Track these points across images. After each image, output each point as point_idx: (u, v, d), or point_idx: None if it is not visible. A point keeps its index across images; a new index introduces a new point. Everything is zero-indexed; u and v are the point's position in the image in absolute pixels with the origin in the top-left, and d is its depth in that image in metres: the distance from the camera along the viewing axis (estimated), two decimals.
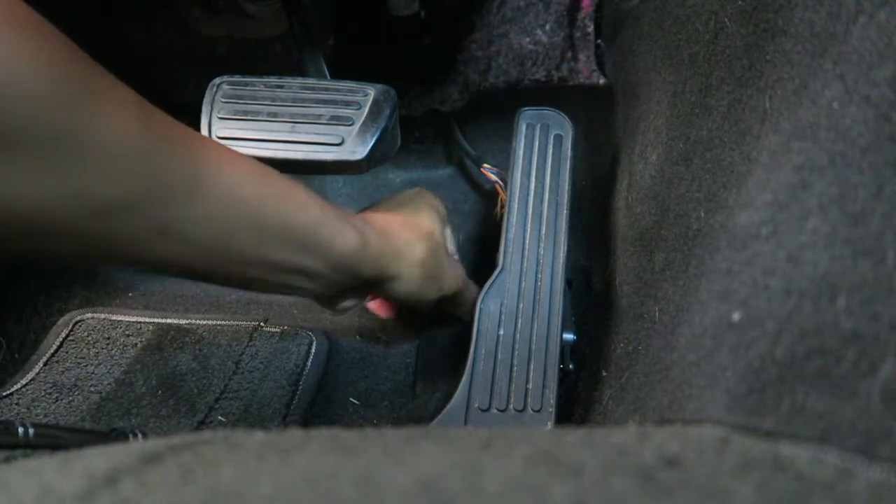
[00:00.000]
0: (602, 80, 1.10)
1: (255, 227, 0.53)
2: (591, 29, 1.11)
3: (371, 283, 0.66)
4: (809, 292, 0.32)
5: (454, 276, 0.71)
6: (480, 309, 0.67)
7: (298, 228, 0.57)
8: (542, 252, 0.69)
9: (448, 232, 0.74)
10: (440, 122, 1.07)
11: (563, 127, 0.77)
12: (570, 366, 0.71)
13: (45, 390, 0.74)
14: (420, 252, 0.66)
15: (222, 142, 0.69)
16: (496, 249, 0.71)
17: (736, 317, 0.36)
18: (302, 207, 0.57)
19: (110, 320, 0.84)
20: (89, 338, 0.81)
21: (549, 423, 0.61)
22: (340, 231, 0.60)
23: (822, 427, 0.28)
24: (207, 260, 0.52)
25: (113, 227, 0.45)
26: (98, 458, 0.29)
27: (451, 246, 0.75)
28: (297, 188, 0.57)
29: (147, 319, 0.84)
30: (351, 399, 0.77)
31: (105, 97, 0.43)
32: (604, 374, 0.64)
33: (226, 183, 0.51)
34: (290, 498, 0.26)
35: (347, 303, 0.68)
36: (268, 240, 0.55)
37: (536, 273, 0.68)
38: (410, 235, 0.66)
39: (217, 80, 0.74)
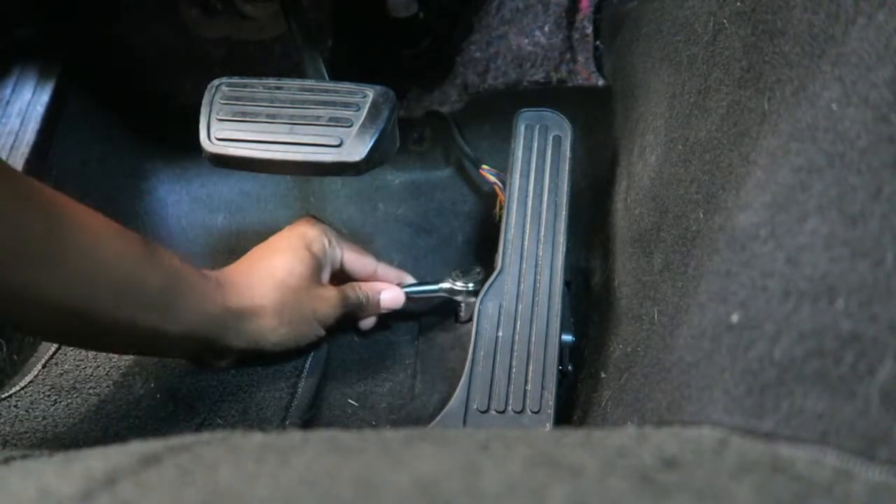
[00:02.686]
0: (601, 82, 1.10)
1: (110, 289, 0.55)
2: (589, 30, 1.11)
3: (237, 347, 0.69)
4: (808, 294, 0.32)
5: (328, 306, 0.74)
6: (479, 310, 0.67)
7: (153, 289, 0.59)
8: (540, 253, 0.69)
9: (327, 250, 0.77)
10: (439, 123, 1.07)
11: (561, 128, 0.77)
12: (569, 367, 0.71)
13: (43, 392, 0.74)
14: (271, 303, 0.69)
15: (221, 143, 0.69)
16: (495, 251, 0.71)
17: (735, 318, 0.36)
18: (157, 269, 0.60)
19: None
20: None
21: (547, 425, 0.61)
22: (192, 292, 0.63)
23: (821, 428, 0.28)
24: (67, 323, 0.55)
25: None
26: (97, 459, 0.29)
27: (332, 264, 0.78)
28: (154, 248, 0.60)
29: None
30: (349, 400, 0.77)
31: None
32: (602, 375, 0.64)
33: (84, 244, 0.53)
34: (289, 499, 0.26)
35: (223, 363, 0.72)
36: (124, 302, 0.57)
37: (535, 274, 0.68)
38: (262, 288, 0.69)
39: (216, 82, 0.74)
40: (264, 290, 0.69)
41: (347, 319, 0.79)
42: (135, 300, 0.58)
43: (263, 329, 0.69)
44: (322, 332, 0.75)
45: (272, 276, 0.70)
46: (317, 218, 0.79)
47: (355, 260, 0.80)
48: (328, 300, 0.74)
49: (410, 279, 0.84)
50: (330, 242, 0.77)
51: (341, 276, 0.80)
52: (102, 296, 0.55)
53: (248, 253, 0.74)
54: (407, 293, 0.82)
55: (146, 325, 0.59)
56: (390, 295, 0.81)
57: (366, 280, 0.81)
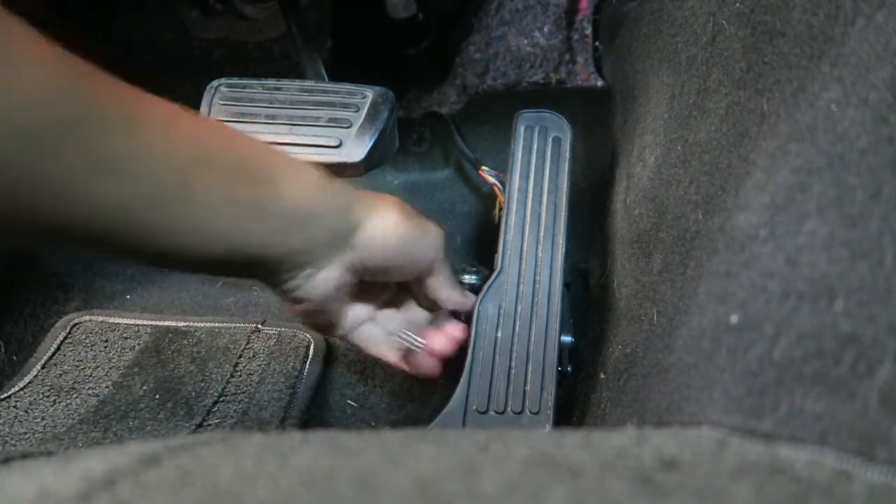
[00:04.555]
0: (600, 83, 1.10)
1: (205, 163, 0.49)
2: (588, 31, 1.11)
3: (333, 243, 0.58)
4: (807, 294, 0.32)
5: (429, 252, 0.64)
6: (479, 311, 0.66)
7: (252, 160, 0.52)
8: (540, 254, 0.69)
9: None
10: (438, 124, 1.07)
11: (561, 129, 0.77)
12: (568, 368, 0.71)
13: (42, 393, 0.74)
14: (390, 217, 0.60)
15: None
16: (494, 251, 0.71)
17: (734, 319, 0.36)
18: (251, 141, 0.54)
19: (108, 323, 0.84)
20: (87, 340, 0.81)
21: (546, 426, 0.61)
22: (299, 165, 0.55)
23: (821, 429, 0.28)
24: (155, 206, 0.47)
25: (45, 157, 0.41)
26: (96, 460, 0.29)
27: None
28: (236, 130, 0.53)
29: (145, 322, 0.84)
30: (349, 401, 0.77)
31: (16, 33, 0.40)
32: (602, 376, 0.64)
33: (163, 117, 0.47)
34: (289, 500, 0.26)
35: (298, 281, 0.58)
36: (220, 177, 0.49)
37: (535, 275, 0.68)
38: (377, 199, 0.61)
39: (215, 83, 0.74)
40: (374, 200, 0.60)
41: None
42: (233, 171, 0.50)
43: (363, 238, 0.59)
44: (415, 267, 0.64)
45: (384, 196, 0.61)
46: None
47: (445, 295, 0.68)
48: (430, 244, 0.64)
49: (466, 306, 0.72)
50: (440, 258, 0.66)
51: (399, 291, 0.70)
52: (198, 170, 0.48)
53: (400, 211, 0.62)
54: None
55: (246, 201, 0.51)
56: (450, 330, 0.68)
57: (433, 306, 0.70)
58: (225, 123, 0.53)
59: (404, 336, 0.66)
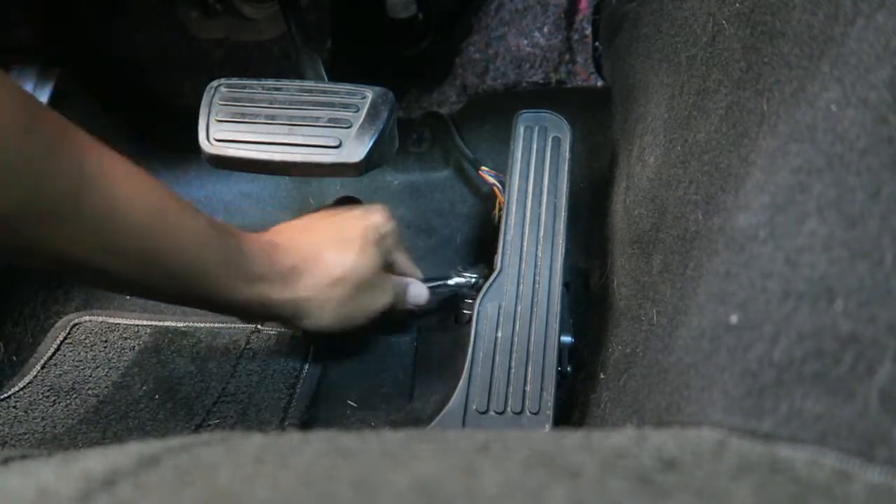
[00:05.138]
0: (600, 83, 1.10)
1: (139, 254, 0.53)
2: (588, 31, 1.11)
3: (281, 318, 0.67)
4: (807, 295, 0.32)
5: (383, 298, 0.73)
6: (478, 311, 0.66)
7: (186, 266, 0.57)
8: (540, 254, 0.69)
9: (391, 249, 0.75)
10: (438, 124, 1.07)
11: (560, 129, 0.77)
12: (568, 368, 0.71)
13: (42, 393, 0.74)
14: (327, 297, 0.67)
15: (220, 144, 0.69)
16: (494, 252, 0.71)
17: (734, 319, 0.36)
18: (193, 243, 0.57)
19: (108, 323, 0.84)
20: (87, 341, 0.81)
21: (546, 426, 0.61)
22: (235, 276, 0.60)
23: (820, 429, 0.28)
24: (95, 280, 0.55)
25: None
26: (95, 460, 0.29)
27: (396, 256, 0.76)
28: (190, 214, 0.57)
29: (144, 322, 0.84)
30: (349, 401, 0.77)
31: None
32: (601, 376, 0.64)
33: (109, 203, 0.50)
34: (288, 500, 0.26)
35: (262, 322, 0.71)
36: (153, 270, 0.54)
37: (534, 275, 0.68)
38: (322, 279, 0.66)
39: (215, 83, 0.74)
40: (319, 282, 0.66)
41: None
42: (162, 271, 0.55)
43: (310, 315, 0.67)
44: (370, 319, 0.73)
45: (330, 274, 0.67)
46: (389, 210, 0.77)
47: (405, 264, 0.78)
48: (385, 289, 0.73)
49: (420, 275, 0.83)
50: (395, 243, 0.75)
51: None
52: (129, 261, 0.52)
53: (312, 225, 0.71)
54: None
55: (190, 290, 0.57)
56: (416, 290, 0.79)
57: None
58: (174, 200, 0.57)
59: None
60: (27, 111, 0.44)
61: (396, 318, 0.81)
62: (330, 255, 0.67)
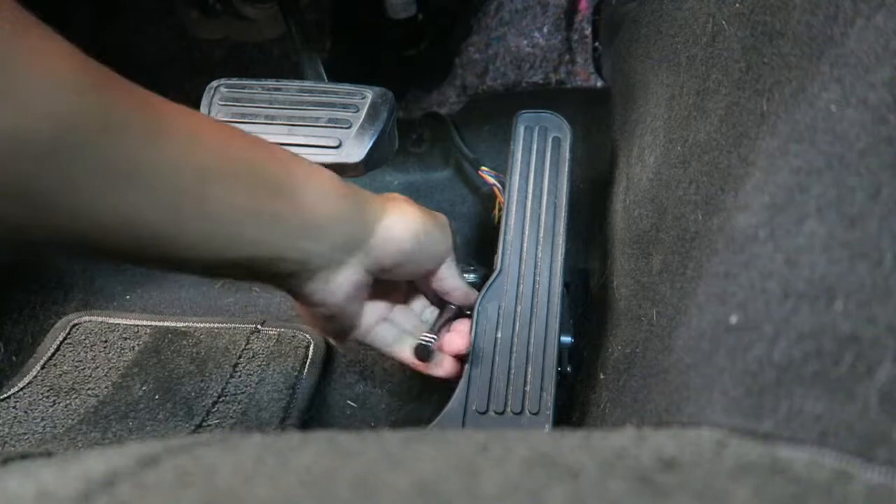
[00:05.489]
0: (599, 83, 1.10)
1: (222, 173, 0.49)
2: (588, 32, 1.11)
3: (350, 246, 0.58)
4: (807, 295, 0.32)
5: (446, 244, 0.65)
6: (478, 311, 0.66)
7: (268, 168, 0.52)
8: (539, 255, 0.69)
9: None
10: (438, 124, 1.07)
11: (560, 129, 0.77)
12: (568, 368, 0.71)
13: (42, 393, 0.74)
14: (407, 212, 0.61)
15: None
16: (494, 252, 0.71)
17: (733, 319, 0.36)
18: (270, 149, 0.54)
19: (107, 323, 0.84)
20: (87, 341, 0.81)
21: (546, 426, 0.61)
22: (317, 172, 0.56)
23: (820, 430, 0.28)
24: (174, 217, 0.46)
25: (61, 171, 0.40)
26: (95, 461, 0.29)
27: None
28: (254, 136, 0.53)
29: (144, 322, 0.84)
30: (348, 401, 0.77)
31: (33, 39, 0.40)
32: (601, 376, 0.64)
33: (184, 126, 0.47)
34: (288, 500, 0.26)
35: (316, 285, 0.58)
36: (238, 186, 0.49)
37: (534, 276, 0.68)
38: (407, 205, 0.61)
39: (215, 83, 0.74)
40: (407, 209, 0.61)
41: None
42: (251, 183, 0.50)
43: (391, 236, 0.59)
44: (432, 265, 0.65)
45: (418, 208, 0.62)
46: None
47: (454, 284, 0.68)
48: (445, 238, 0.65)
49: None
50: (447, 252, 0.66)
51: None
52: (213, 180, 0.48)
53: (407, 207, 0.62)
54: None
55: (261, 211, 0.51)
56: (453, 341, 0.67)
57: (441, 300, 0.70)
58: (245, 131, 0.53)
59: (425, 339, 0.65)
60: (79, 56, 0.43)
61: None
62: (408, 205, 0.62)
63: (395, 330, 0.68)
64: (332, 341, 0.70)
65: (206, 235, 0.49)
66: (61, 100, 0.40)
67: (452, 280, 0.67)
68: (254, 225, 0.51)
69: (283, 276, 0.57)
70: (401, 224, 0.60)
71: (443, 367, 0.67)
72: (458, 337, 0.66)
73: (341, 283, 0.59)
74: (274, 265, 0.55)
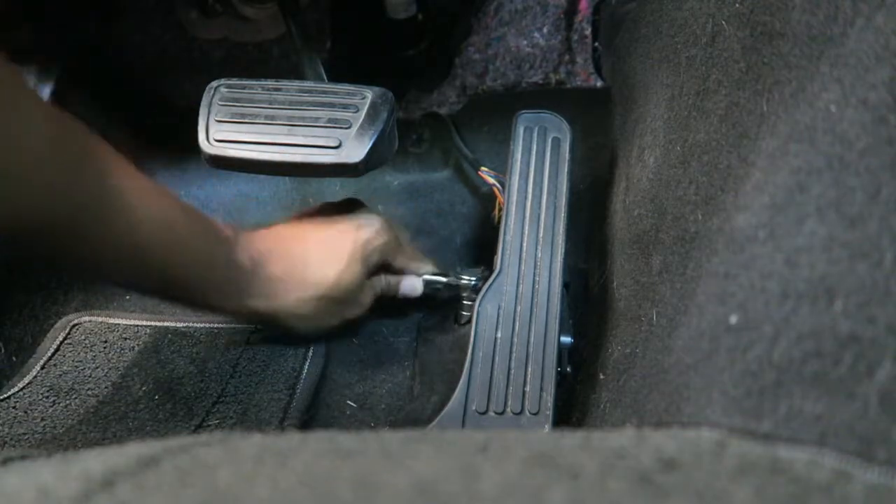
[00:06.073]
0: (599, 83, 1.10)
1: (151, 265, 0.57)
2: (588, 32, 1.11)
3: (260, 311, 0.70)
4: (807, 295, 0.32)
5: (361, 306, 0.76)
6: (478, 312, 0.66)
7: (189, 279, 0.61)
8: (539, 255, 0.69)
9: (381, 259, 0.77)
10: (438, 124, 1.07)
11: (560, 130, 0.77)
12: (568, 369, 0.71)
13: (42, 394, 0.74)
14: (307, 310, 0.70)
15: (220, 144, 0.69)
16: (494, 252, 0.71)
17: (733, 319, 0.36)
18: (198, 260, 0.62)
19: (107, 323, 0.84)
20: (86, 341, 0.81)
21: (546, 426, 0.61)
22: (227, 289, 0.65)
23: (820, 430, 0.28)
24: (122, 275, 0.57)
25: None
26: (95, 461, 0.29)
27: (396, 260, 0.79)
28: (198, 227, 0.62)
29: (144, 323, 0.84)
30: (348, 402, 0.77)
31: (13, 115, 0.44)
32: (601, 376, 0.64)
33: (130, 216, 0.54)
34: (288, 500, 0.26)
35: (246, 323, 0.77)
36: (161, 279, 0.59)
37: (534, 276, 0.68)
38: (303, 294, 0.70)
39: (214, 83, 0.74)
40: (303, 295, 0.70)
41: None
42: (172, 278, 0.60)
43: (288, 323, 0.72)
44: (343, 324, 0.77)
45: (311, 289, 0.70)
46: (387, 220, 0.79)
47: (404, 263, 0.80)
48: (363, 302, 0.76)
49: (430, 268, 0.84)
50: (389, 255, 0.77)
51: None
52: (141, 270, 0.57)
53: (305, 234, 0.74)
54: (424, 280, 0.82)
55: (185, 294, 0.63)
56: (409, 284, 0.81)
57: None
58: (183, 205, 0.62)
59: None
60: (56, 123, 0.46)
61: (391, 305, 0.83)
62: (315, 271, 0.70)
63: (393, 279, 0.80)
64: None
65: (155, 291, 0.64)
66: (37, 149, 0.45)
67: (409, 267, 0.80)
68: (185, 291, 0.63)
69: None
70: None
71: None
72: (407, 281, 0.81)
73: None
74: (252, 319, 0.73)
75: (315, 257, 0.71)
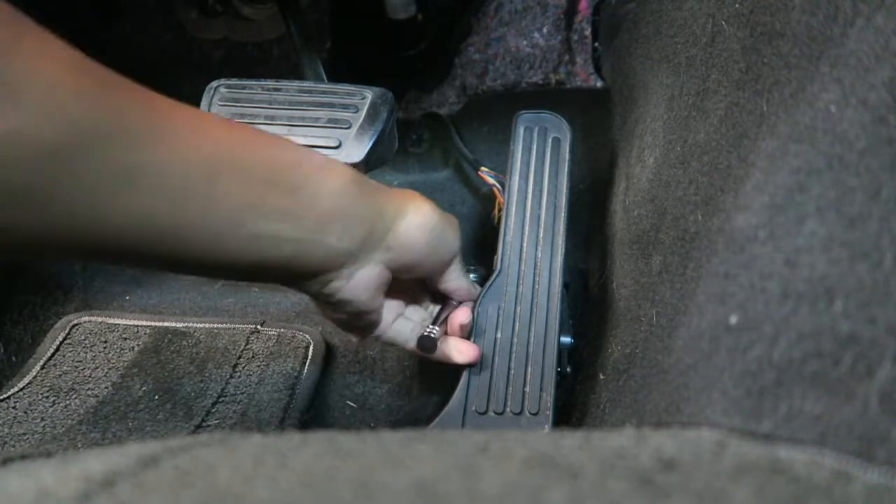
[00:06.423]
0: (599, 84, 1.10)
1: (233, 169, 0.48)
2: (588, 32, 1.11)
3: (369, 243, 0.57)
4: (807, 295, 0.32)
5: (457, 243, 0.64)
6: (478, 312, 0.67)
7: (281, 164, 0.51)
8: (539, 255, 0.69)
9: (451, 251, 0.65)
10: (438, 125, 1.07)
11: (560, 130, 0.77)
12: (568, 369, 0.71)
13: (42, 394, 0.74)
14: (424, 209, 0.60)
15: None
16: (494, 252, 0.71)
17: (733, 320, 0.36)
18: (282, 145, 0.53)
19: (107, 324, 0.84)
20: (86, 341, 0.81)
21: (546, 426, 0.61)
22: (331, 166, 0.54)
23: (820, 430, 0.28)
24: (182, 216, 0.46)
25: (67, 173, 0.40)
26: (95, 461, 0.29)
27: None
28: (265, 132, 0.52)
29: (144, 323, 0.84)
30: (348, 402, 0.77)
31: (33, 42, 0.39)
32: (601, 377, 0.64)
33: (188, 124, 0.46)
34: (288, 500, 0.26)
35: (338, 283, 0.58)
36: (249, 182, 0.48)
37: (534, 276, 0.68)
38: (412, 197, 0.60)
39: (214, 84, 0.74)
40: (412, 197, 0.60)
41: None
42: (262, 180, 0.49)
43: (408, 226, 0.59)
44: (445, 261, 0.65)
45: (425, 214, 0.60)
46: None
47: (455, 284, 0.68)
48: (456, 237, 0.64)
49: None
50: (455, 255, 0.66)
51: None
52: (223, 179, 0.46)
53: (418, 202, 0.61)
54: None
55: (274, 210, 0.50)
56: (465, 313, 0.68)
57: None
58: (252, 126, 0.52)
59: (428, 330, 0.66)
60: (79, 60, 0.43)
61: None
62: (425, 202, 0.61)
63: (411, 324, 0.68)
64: (353, 338, 0.70)
65: (214, 237, 0.48)
66: (62, 104, 0.39)
67: (458, 280, 0.67)
68: (264, 224, 0.50)
69: (305, 277, 0.56)
70: (419, 220, 0.59)
71: (461, 351, 0.66)
72: (461, 311, 0.67)
73: (364, 279, 0.58)
74: (294, 264, 0.54)
75: (436, 229, 0.61)
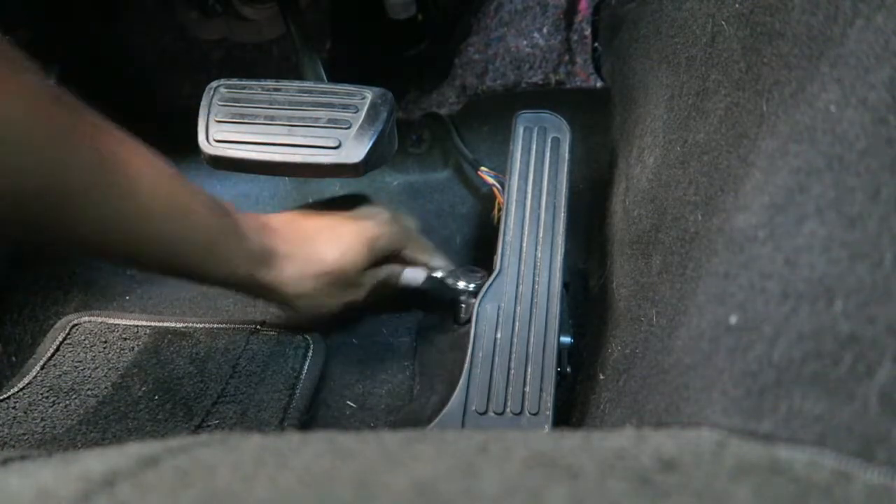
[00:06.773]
0: (599, 84, 1.10)
1: (153, 234, 0.57)
2: (588, 32, 1.11)
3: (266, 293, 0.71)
4: (807, 295, 0.32)
5: (359, 293, 0.76)
6: (478, 312, 0.66)
7: (193, 244, 0.61)
8: (539, 255, 0.69)
9: (387, 250, 0.77)
10: (437, 125, 1.07)
11: (560, 130, 0.77)
12: (568, 369, 0.71)
13: (41, 394, 0.74)
14: (308, 286, 0.70)
15: (219, 145, 0.69)
16: (493, 252, 0.71)
17: (733, 320, 0.36)
18: (202, 224, 0.61)
19: (107, 324, 0.84)
20: (86, 341, 0.81)
21: (546, 427, 0.61)
22: (232, 255, 0.64)
23: (820, 430, 0.28)
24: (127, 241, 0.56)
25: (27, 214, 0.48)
26: (95, 461, 0.29)
27: (404, 253, 0.80)
28: (198, 195, 0.61)
29: (144, 323, 0.84)
30: (348, 402, 0.77)
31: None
32: (601, 377, 0.64)
33: (128, 184, 0.54)
34: (287, 501, 0.26)
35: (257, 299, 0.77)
36: (163, 248, 0.59)
37: (534, 276, 0.68)
38: (305, 270, 0.70)
39: (214, 84, 0.74)
40: (306, 270, 0.70)
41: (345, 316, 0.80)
42: (174, 246, 0.60)
43: (286, 298, 0.71)
44: (337, 310, 0.77)
45: (313, 266, 0.70)
46: (399, 216, 0.81)
47: (411, 257, 0.81)
48: (363, 284, 0.76)
49: (440, 261, 0.84)
50: (396, 245, 0.78)
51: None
52: (143, 240, 0.57)
53: (311, 216, 0.74)
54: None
55: (189, 265, 0.62)
56: (410, 275, 0.81)
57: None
58: (186, 183, 0.61)
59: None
60: (46, 94, 0.47)
61: (392, 295, 0.83)
62: (319, 249, 0.71)
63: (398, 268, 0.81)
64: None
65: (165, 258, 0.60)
66: (28, 118, 0.46)
67: (420, 257, 0.81)
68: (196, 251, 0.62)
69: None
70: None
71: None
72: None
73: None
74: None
75: (320, 238, 0.72)
